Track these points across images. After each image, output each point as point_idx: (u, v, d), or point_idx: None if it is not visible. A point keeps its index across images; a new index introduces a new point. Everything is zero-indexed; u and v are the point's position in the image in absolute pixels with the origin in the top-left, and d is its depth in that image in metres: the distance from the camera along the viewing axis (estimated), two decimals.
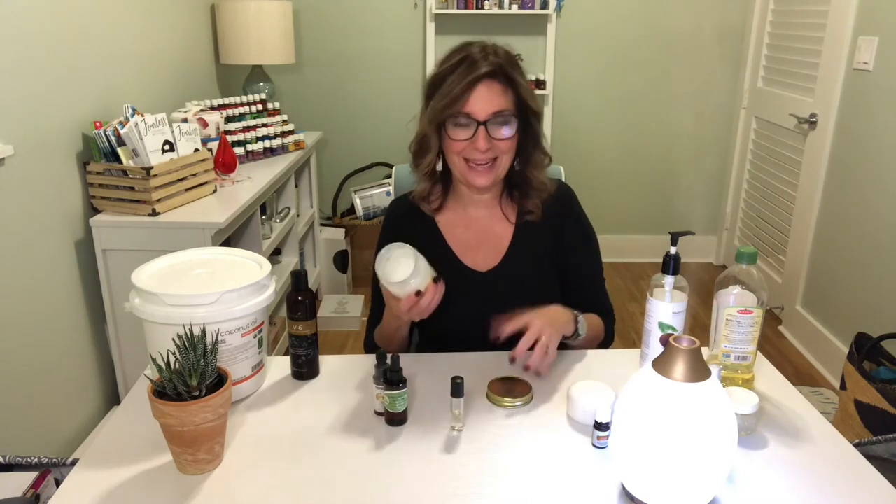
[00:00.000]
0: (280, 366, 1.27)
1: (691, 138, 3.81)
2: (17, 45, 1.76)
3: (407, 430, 1.08)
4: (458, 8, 3.43)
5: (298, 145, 2.93)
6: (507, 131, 1.28)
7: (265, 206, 2.64)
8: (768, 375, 1.26)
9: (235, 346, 1.11)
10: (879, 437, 1.47)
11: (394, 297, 1.17)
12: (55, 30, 1.92)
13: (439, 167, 1.38)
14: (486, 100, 1.25)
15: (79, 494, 0.94)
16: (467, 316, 1.36)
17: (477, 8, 3.43)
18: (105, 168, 2.00)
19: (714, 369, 0.88)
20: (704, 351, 1.15)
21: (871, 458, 1.02)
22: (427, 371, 1.25)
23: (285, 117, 2.91)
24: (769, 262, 3.33)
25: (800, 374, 2.78)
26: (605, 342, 1.43)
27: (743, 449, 1.03)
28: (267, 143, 2.77)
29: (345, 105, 3.70)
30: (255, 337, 1.14)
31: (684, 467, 0.85)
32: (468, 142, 1.27)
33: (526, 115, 1.31)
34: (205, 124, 2.42)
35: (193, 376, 0.95)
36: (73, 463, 1.30)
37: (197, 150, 2.19)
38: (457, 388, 1.06)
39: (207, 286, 1.11)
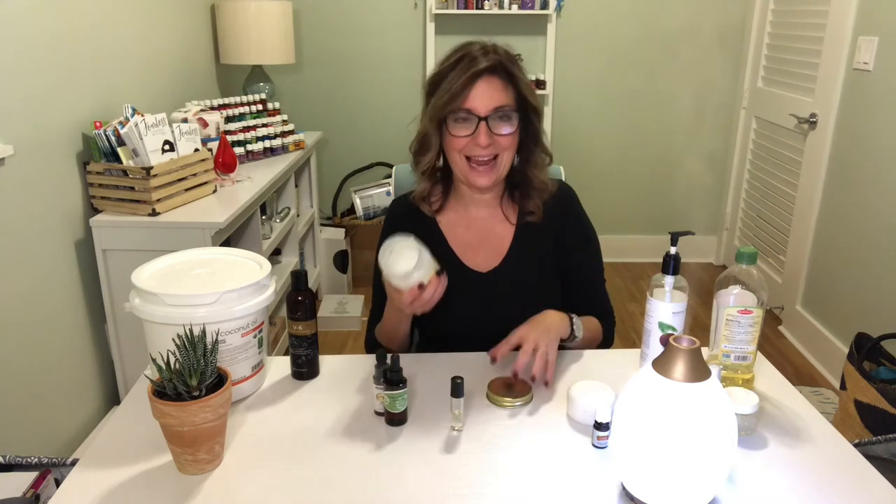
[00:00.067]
0: (280, 366, 1.27)
1: (691, 138, 3.81)
2: (17, 45, 1.76)
3: (407, 430, 1.08)
4: (458, 8, 3.43)
5: (298, 145, 2.93)
6: (508, 127, 1.28)
7: (265, 206, 2.64)
8: (768, 375, 1.26)
9: (235, 346, 1.11)
10: (879, 437, 1.47)
11: (396, 289, 1.16)
12: (55, 30, 1.92)
13: (440, 164, 1.37)
14: (486, 95, 1.25)
15: (79, 494, 0.94)
16: (468, 316, 1.36)
17: (477, 8, 3.43)
18: (105, 168, 2.00)
19: (714, 369, 0.88)
20: (704, 351, 1.15)
21: (871, 458, 1.02)
22: (427, 371, 1.25)
23: (285, 117, 2.91)
24: (769, 262, 3.33)
25: (800, 374, 2.78)
26: (605, 344, 1.43)
27: (743, 449, 1.03)
28: (267, 143, 2.77)
29: (345, 105, 3.70)
30: (255, 337, 1.14)
31: (684, 467, 0.85)
32: (469, 138, 1.27)
33: (526, 111, 1.31)
34: (205, 124, 2.42)
35: (193, 376, 0.95)
36: (73, 463, 1.30)
37: (197, 150, 2.19)
38: (457, 388, 1.06)
39: (207, 286, 1.11)
